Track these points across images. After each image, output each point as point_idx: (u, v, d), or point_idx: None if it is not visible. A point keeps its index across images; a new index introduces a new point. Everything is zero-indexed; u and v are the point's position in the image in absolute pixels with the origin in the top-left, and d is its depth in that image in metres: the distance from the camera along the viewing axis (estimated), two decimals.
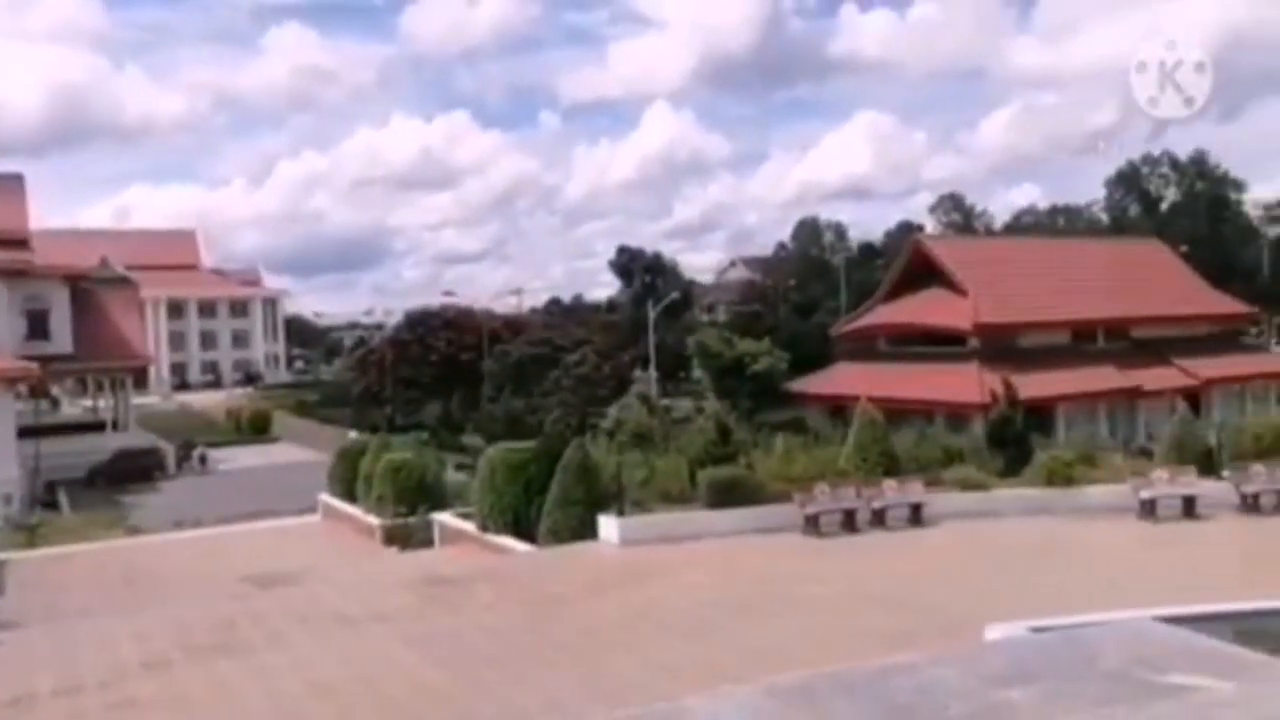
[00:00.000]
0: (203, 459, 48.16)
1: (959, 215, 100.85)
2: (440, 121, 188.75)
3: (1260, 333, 63.65)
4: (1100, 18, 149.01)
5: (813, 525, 19.49)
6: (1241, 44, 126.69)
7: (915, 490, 20.48)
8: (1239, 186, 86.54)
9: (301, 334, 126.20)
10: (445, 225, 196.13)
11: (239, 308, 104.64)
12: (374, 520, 25.12)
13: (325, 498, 29.21)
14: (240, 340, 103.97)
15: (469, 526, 21.96)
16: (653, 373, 58.67)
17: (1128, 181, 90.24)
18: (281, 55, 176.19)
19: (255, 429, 58.22)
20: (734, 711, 6.08)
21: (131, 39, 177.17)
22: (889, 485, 20.49)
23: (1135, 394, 36.98)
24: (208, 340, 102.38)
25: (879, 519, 20.01)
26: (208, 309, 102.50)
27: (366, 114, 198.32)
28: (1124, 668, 6.61)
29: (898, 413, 28.14)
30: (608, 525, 19.29)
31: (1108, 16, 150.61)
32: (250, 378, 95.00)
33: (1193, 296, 44.67)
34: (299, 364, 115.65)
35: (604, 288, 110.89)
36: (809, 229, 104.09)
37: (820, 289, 74.02)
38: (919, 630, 12.36)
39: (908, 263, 42.41)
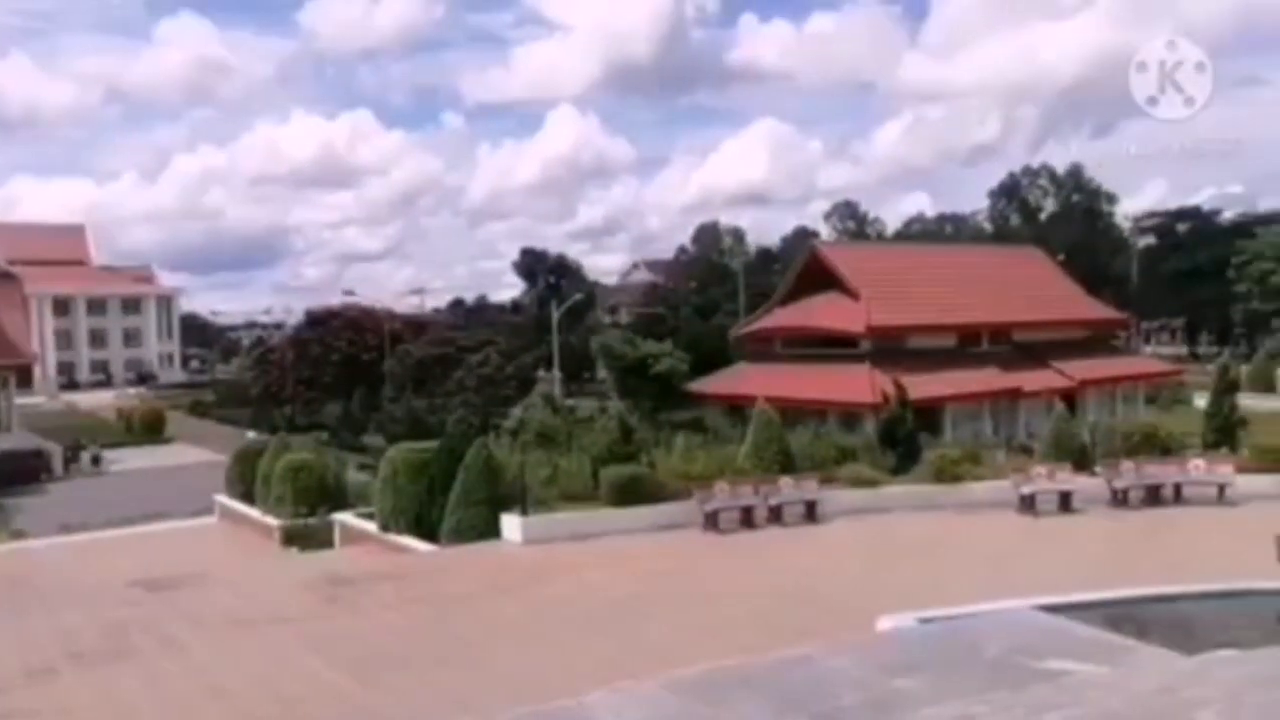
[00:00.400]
0: (95, 460, 46.15)
1: (853, 222, 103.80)
2: (343, 119, 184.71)
3: (1129, 337, 67.39)
4: (984, 37, 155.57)
5: (712, 522, 19.92)
6: (1112, 65, 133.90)
7: (810, 487, 21.13)
8: (1111, 199, 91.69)
9: (198, 333, 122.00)
10: (347, 224, 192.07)
11: (131, 305, 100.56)
12: (273, 521, 24.59)
13: (222, 499, 28.43)
14: (133, 339, 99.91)
15: (370, 527, 21.71)
16: (556, 373, 58.68)
17: (1009, 192, 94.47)
18: (176, 47, 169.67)
19: (148, 429, 56.01)
20: (635, 706, 6.32)
21: (18, 26, 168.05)
22: (785, 482, 21.09)
23: (1016, 394, 38.73)
24: (97, 338, 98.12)
25: (776, 515, 20.58)
26: (97, 306, 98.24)
27: (266, 109, 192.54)
28: (1005, 655, 7.09)
29: (794, 412, 28.87)
30: (511, 524, 19.35)
31: (991, 36, 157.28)
32: (143, 377, 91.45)
33: (1070, 302, 46.96)
34: (195, 363, 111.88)
35: (508, 289, 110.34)
36: (709, 233, 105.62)
37: (720, 292, 75.16)
38: (814, 623, 12.84)
39: (804, 267, 43.45)
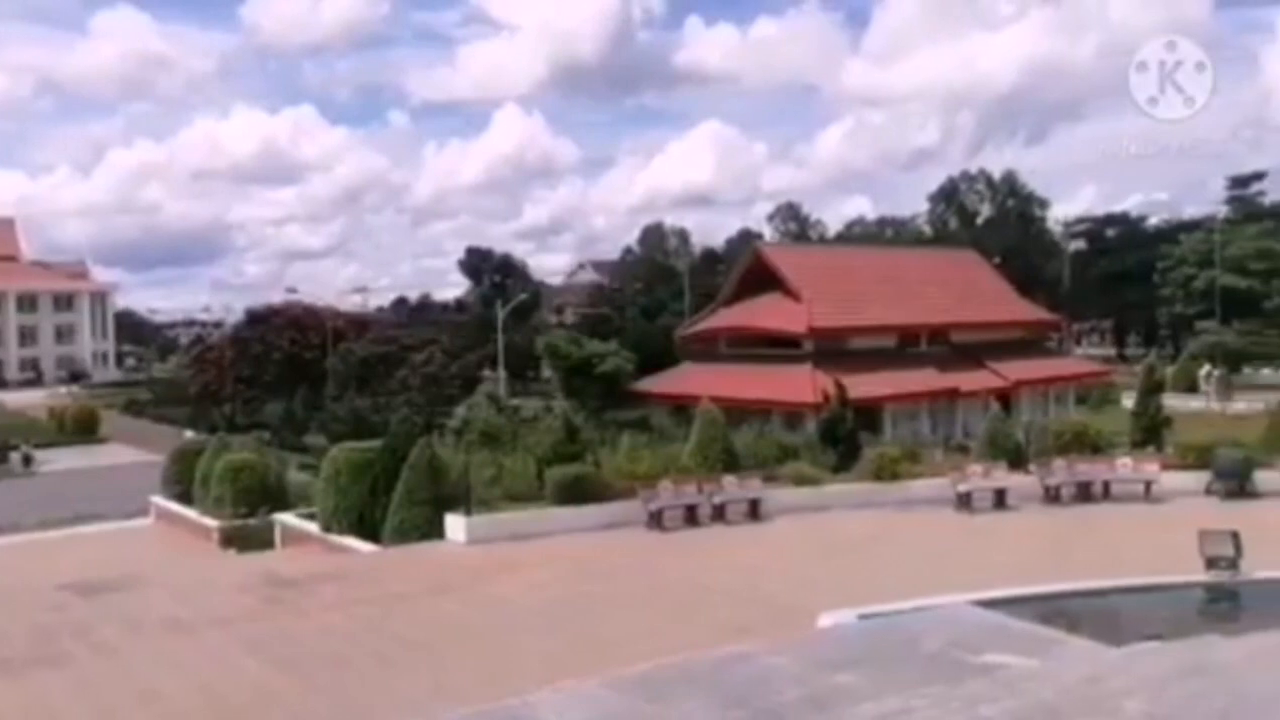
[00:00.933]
0: (26, 460, 44.78)
1: (795, 224, 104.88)
2: (285, 115, 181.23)
3: (1061, 339, 69.10)
4: (924, 44, 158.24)
5: (656, 521, 20.03)
6: (1045, 75, 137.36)
7: (753, 486, 21.35)
8: (1044, 204, 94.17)
9: (134, 330, 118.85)
10: (289, 221, 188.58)
11: (64, 301, 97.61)
12: (211, 522, 24.10)
13: (158, 500, 27.80)
14: (65, 336, 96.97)
15: (312, 527, 21.42)
16: (501, 372, 58.35)
17: (948, 197, 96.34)
18: (113, 39, 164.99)
19: (81, 429, 54.44)
20: (578, 705, 6.37)
21: None
22: (729, 481, 21.28)
23: (954, 394, 39.49)
24: (28, 336, 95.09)
25: (719, 514, 20.75)
26: (28, 302, 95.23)
27: (207, 104, 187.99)
28: (942, 649, 7.27)
29: (737, 412, 29.13)
30: (455, 524, 19.24)
31: (930, 44, 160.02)
32: (75, 375, 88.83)
33: (1005, 305, 48.04)
34: (130, 361, 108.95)
35: (453, 287, 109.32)
36: (655, 234, 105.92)
37: (665, 292, 75.42)
38: (757, 620, 12.99)
39: (747, 269, 43.83)
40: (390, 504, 19.80)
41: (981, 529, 20.14)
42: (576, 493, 20.20)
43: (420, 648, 13.03)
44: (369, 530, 19.97)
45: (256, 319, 63.85)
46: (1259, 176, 77.93)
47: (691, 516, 20.51)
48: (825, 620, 10.94)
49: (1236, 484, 21.40)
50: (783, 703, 6.19)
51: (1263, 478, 21.68)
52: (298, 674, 12.00)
